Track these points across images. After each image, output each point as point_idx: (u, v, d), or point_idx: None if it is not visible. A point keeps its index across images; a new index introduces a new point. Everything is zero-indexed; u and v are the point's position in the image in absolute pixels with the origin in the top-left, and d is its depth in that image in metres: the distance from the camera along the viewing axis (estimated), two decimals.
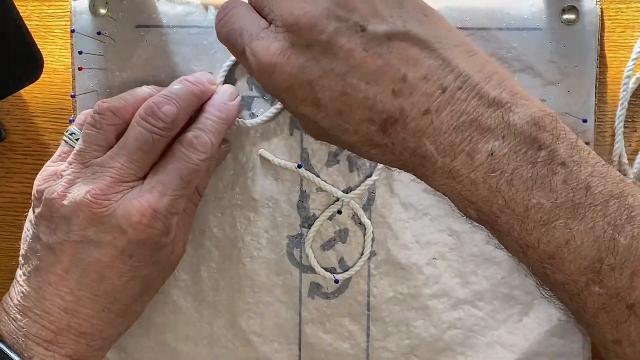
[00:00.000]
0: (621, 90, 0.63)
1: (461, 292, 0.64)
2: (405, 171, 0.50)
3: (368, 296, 0.64)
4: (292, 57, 0.48)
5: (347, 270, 0.64)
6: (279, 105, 0.62)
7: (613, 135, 0.63)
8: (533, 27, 0.61)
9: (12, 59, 0.60)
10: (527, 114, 0.47)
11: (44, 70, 0.62)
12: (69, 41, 0.64)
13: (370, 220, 0.64)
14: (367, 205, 0.64)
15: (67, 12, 0.65)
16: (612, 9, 0.63)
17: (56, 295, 0.56)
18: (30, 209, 0.59)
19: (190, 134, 0.57)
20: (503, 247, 0.51)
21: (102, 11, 0.63)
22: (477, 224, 0.51)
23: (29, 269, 0.58)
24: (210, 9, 0.63)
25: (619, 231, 0.46)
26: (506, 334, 0.64)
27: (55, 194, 0.56)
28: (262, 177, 0.64)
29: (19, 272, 0.59)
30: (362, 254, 0.64)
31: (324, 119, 0.49)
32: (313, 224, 0.64)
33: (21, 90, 0.64)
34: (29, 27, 0.60)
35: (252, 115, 0.63)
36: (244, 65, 0.51)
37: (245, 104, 0.63)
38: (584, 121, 0.61)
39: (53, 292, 0.56)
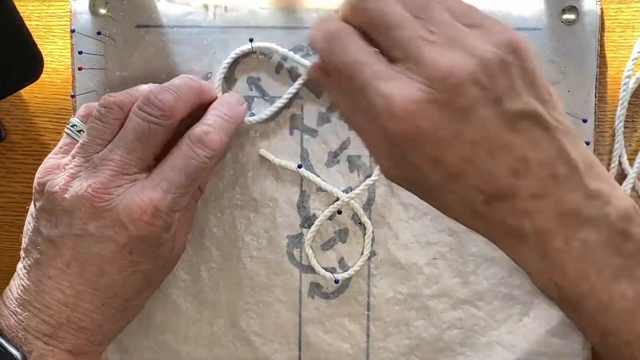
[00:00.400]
0: (621, 90, 0.63)
1: (461, 292, 0.64)
2: (488, 239, 0.52)
3: (368, 296, 0.64)
4: (428, 112, 0.46)
5: (347, 270, 0.64)
6: (279, 104, 0.62)
7: (613, 135, 0.63)
8: (533, 27, 0.61)
9: (12, 59, 0.60)
10: (622, 208, 0.48)
11: (44, 70, 0.62)
12: (69, 41, 0.64)
13: (370, 220, 0.64)
14: (367, 205, 0.64)
15: (67, 12, 0.65)
16: (612, 9, 0.63)
17: (56, 289, 0.56)
18: (32, 202, 0.58)
19: (198, 130, 0.57)
20: (582, 330, 0.53)
21: (102, 11, 0.63)
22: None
23: (29, 262, 0.57)
24: (210, 9, 0.63)
25: None
26: (506, 334, 0.64)
27: (57, 187, 0.56)
28: (262, 177, 0.64)
29: (19, 265, 0.58)
30: (362, 254, 0.64)
31: (436, 176, 0.49)
32: (313, 224, 0.63)
33: (21, 90, 0.64)
34: (29, 27, 0.60)
35: (252, 116, 0.63)
36: (356, 103, 0.49)
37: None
38: (584, 121, 0.61)
39: (53, 285, 0.56)
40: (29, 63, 0.61)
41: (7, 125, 0.66)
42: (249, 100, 0.63)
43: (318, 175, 0.63)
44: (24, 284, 0.57)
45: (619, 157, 0.63)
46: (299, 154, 0.64)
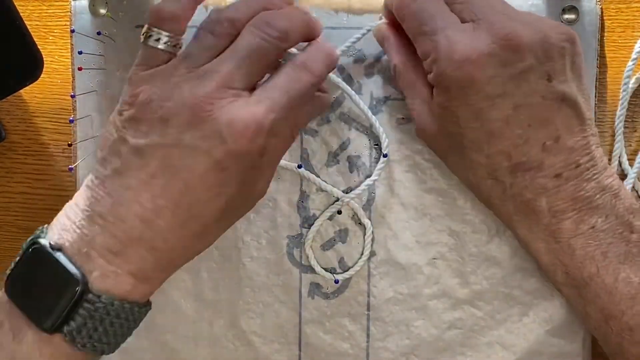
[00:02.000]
0: (621, 90, 0.63)
1: (461, 292, 0.64)
2: (499, 212, 0.58)
3: (368, 296, 0.64)
4: (487, 66, 0.52)
5: (347, 271, 0.64)
6: None
7: (613, 135, 0.63)
8: None
9: (12, 59, 0.60)
10: (629, 203, 0.55)
11: (44, 70, 0.62)
12: (69, 41, 0.64)
13: (370, 220, 0.64)
14: (367, 206, 0.64)
15: (67, 12, 0.65)
16: (612, 9, 0.63)
17: (134, 201, 0.51)
18: (115, 113, 0.54)
19: (303, 55, 0.54)
20: (584, 315, 0.58)
21: (102, 11, 0.63)
22: (564, 286, 0.58)
23: (105, 172, 0.52)
24: (210, 9, 0.62)
25: None
26: (506, 334, 0.64)
27: (155, 95, 0.52)
28: None
29: (89, 177, 0.53)
30: (362, 254, 0.64)
31: (473, 131, 0.55)
32: (313, 224, 0.64)
33: (21, 90, 0.64)
34: (29, 27, 0.60)
35: None
36: (422, 45, 0.55)
37: None
38: None
39: (131, 197, 0.51)
40: (29, 63, 0.61)
41: (7, 125, 0.66)
42: None
43: (318, 176, 0.63)
44: (96, 195, 0.52)
45: (619, 157, 0.63)
46: (299, 154, 0.63)
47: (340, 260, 0.64)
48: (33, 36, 0.61)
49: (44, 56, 0.62)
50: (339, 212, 0.63)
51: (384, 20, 0.61)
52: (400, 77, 0.59)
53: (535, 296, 0.63)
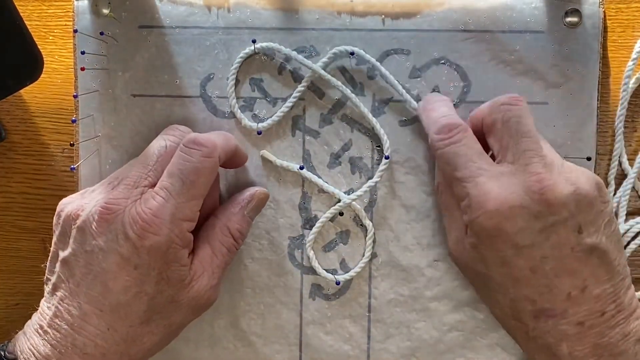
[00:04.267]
0: (621, 90, 0.63)
1: (462, 294, 0.64)
2: (520, 346, 0.58)
3: (369, 298, 0.64)
4: (518, 218, 0.53)
5: (348, 272, 0.64)
6: (284, 109, 0.62)
7: (613, 136, 0.63)
8: (536, 30, 0.61)
9: (12, 59, 0.60)
10: None
11: (44, 70, 0.62)
12: (70, 41, 0.64)
13: (371, 222, 0.64)
14: (369, 207, 0.64)
15: (68, 12, 0.65)
16: (612, 9, 0.63)
17: (66, 311, 0.55)
18: (54, 236, 0.58)
19: (192, 134, 0.57)
20: None
21: (105, 11, 0.63)
22: None
23: (47, 289, 0.57)
24: (213, 10, 0.63)
25: None
26: (507, 336, 0.64)
27: (74, 209, 0.56)
28: (264, 179, 0.63)
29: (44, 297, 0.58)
30: (363, 255, 0.64)
31: (499, 275, 0.55)
32: (314, 225, 0.63)
33: (21, 90, 0.63)
34: (29, 27, 0.60)
35: (255, 117, 0.63)
36: (455, 189, 0.56)
37: (248, 105, 0.63)
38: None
39: (64, 308, 0.55)
40: (29, 63, 0.61)
41: (7, 125, 0.66)
42: (252, 101, 0.63)
43: (320, 177, 0.63)
44: (41, 310, 0.57)
45: (619, 157, 0.63)
46: (300, 155, 0.63)
47: (342, 262, 0.64)
48: (33, 36, 0.60)
49: (44, 56, 0.61)
50: (341, 214, 0.63)
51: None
52: (441, 197, 0.61)
53: None
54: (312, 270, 0.64)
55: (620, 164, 0.64)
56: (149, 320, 0.56)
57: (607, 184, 0.64)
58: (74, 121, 0.63)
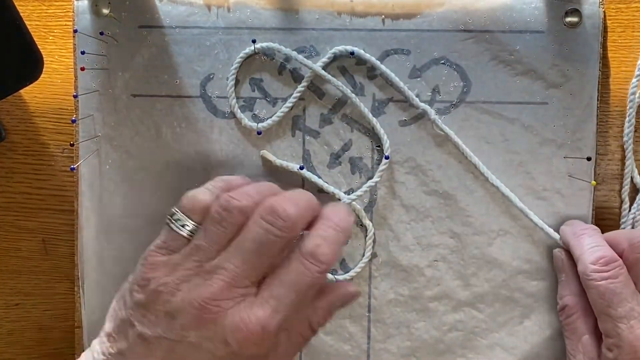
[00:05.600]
0: (627, 107, 0.63)
1: (462, 294, 0.64)
2: None
3: (369, 298, 0.64)
4: None
5: (348, 272, 0.64)
6: (284, 109, 0.62)
7: (614, 136, 0.63)
8: (536, 30, 0.61)
9: (12, 59, 0.60)
10: None
11: (44, 70, 0.62)
12: (70, 41, 0.64)
13: (371, 222, 0.64)
14: (369, 207, 0.64)
15: (67, 12, 0.65)
16: (612, 9, 0.63)
17: None
18: (127, 288, 0.54)
19: (310, 243, 0.52)
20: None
21: (105, 11, 0.63)
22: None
23: (112, 350, 0.53)
24: (213, 10, 0.63)
25: None
26: (507, 337, 0.64)
27: (165, 287, 0.52)
28: (264, 179, 0.63)
29: (98, 346, 0.54)
30: (363, 255, 0.64)
31: None
32: None
33: (21, 90, 0.63)
34: (29, 27, 0.60)
35: (255, 117, 0.63)
36: (604, 324, 0.57)
37: (248, 105, 0.63)
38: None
39: None
40: (29, 63, 0.61)
41: (7, 125, 0.66)
42: (252, 101, 0.63)
43: (320, 177, 0.63)
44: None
45: (631, 172, 0.63)
46: (300, 155, 0.63)
47: (342, 262, 0.64)
48: (33, 36, 0.60)
49: (44, 56, 0.61)
50: None
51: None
52: (569, 320, 0.61)
53: (536, 299, 0.63)
54: None
55: (632, 179, 0.64)
56: None
57: (622, 201, 0.64)
58: (74, 121, 0.63)
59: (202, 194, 0.54)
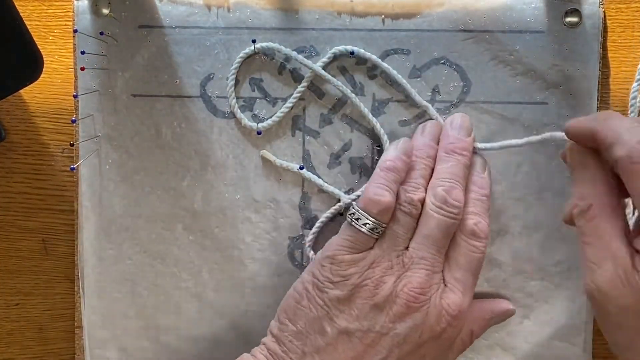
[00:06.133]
0: (629, 112, 0.63)
1: None
2: None
3: None
4: None
5: None
6: (284, 109, 0.62)
7: None
8: (535, 30, 0.61)
9: (12, 59, 0.60)
10: None
11: (44, 70, 0.62)
12: (70, 41, 0.64)
13: None
14: None
15: (67, 12, 0.65)
16: (612, 9, 0.63)
17: None
18: (310, 285, 0.58)
19: (470, 223, 0.58)
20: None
21: (105, 11, 0.63)
22: None
23: (303, 348, 0.57)
24: (213, 10, 0.63)
25: None
26: (507, 336, 0.64)
27: (369, 281, 0.56)
28: (263, 179, 0.63)
29: (270, 345, 0.59)
30: None
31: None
32: (314, 225, 0.63)
33: (21, 90, 0.63)
34: (29, 27, 0.60)
35: (255, 117, 0.63)
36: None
37: (248, 105, 0.63)
38: None
39: None
40: (29, 63, 0.61)
41: (7, 125, 0.66)
42: (251, 101, 0.63)
43: (320, 177, 0.63)
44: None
45: None
46: (300, 155, 0.63)
47: None
48: (33, 36, 0.60)
49: (44, 56, 0.61)
50: (341, 214, 0.63)
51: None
52: (590, 224, 0.51)
53: (536, 299, 0.63)
54: None
55: None
56: None
57: (625, 204, 0.63)
58: (74, 121, 0.63)
59: (382, 196, 0.57)
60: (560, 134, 0.57)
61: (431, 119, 0.62)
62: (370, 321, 0.55)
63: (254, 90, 0.63)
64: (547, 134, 0.60)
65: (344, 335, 0.56)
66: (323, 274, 0.57)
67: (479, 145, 0.61)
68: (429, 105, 0.62)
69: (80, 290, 0.64)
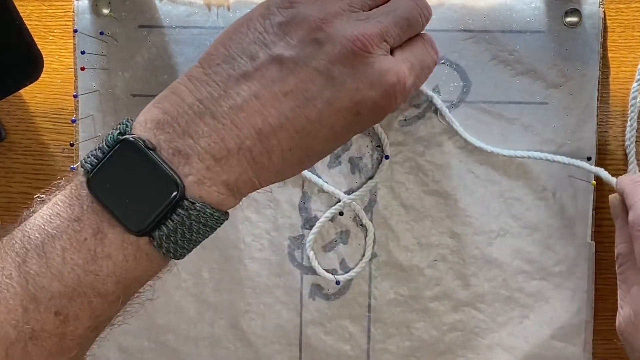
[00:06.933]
0: (629, 111, 0.63)
1: (462, 294, 0.64)
2: None
3: (369, 298, 0.64)
4: None
5: (348, 272, 0.64)
6: None
7: (614, 136, 0.63)
8: (535, 30, 0.61)
9: (12, 59, 0.60)
10: None
11: (44, 70, 0.62)
12: (69, 41, 0.64)
13: (371, 221, 0.64)
14: (369, 207, 0.64)
15: (67, 12, 0.65)
16: (612, 9, 0.63)
17: (258, 112, 0.47)
18: (257, 14, 0.50)
19: (428, 36, 0.54)
20: None
21: (105, 11, 0.63)
22: None
23: (230, 72, 0.48)
24: (213, 10, 0.63)
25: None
26: (507, 337, 0.64)
27: (316, 13, 0.49)
28: None
29: (197, 71, 0.49)
30: (363, 255, 0.64)
31: None
32: (314, 225, 0.63)
33: (21, 90, 0.63)
34: (29, 27, 0.60)
35: None
36: None
37: None
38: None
39: (257, 107, 0.47)
40: (29, 63, 0.61)
41: (7, 125, 0.66)
42: None
43: (320, 177, 0.63)
44: (211, 91, 0.48)
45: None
46: None
47: (342, 262, 0.64)
48: (33, 36, 0.60)
49: (44, 56, 0.62)
50: (341, 214, 0.64)
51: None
52: (619, 269, 0.59)
53: (536, 299, 0.63)
54: (312, 270, 0.64)
55: None
56: (318, 159, 0.53)
57: None
58: (74, 121, 0.63)
59: None
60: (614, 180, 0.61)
61: (435, 109, 0.62)
62: (307, 55, 0.48)
63: None
64: (566, 158, 0.62)
65: (276, 63, 0.48)
66: (272, 1, 0.50)
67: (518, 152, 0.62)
68: (434, 95, 0.62)
69: None
